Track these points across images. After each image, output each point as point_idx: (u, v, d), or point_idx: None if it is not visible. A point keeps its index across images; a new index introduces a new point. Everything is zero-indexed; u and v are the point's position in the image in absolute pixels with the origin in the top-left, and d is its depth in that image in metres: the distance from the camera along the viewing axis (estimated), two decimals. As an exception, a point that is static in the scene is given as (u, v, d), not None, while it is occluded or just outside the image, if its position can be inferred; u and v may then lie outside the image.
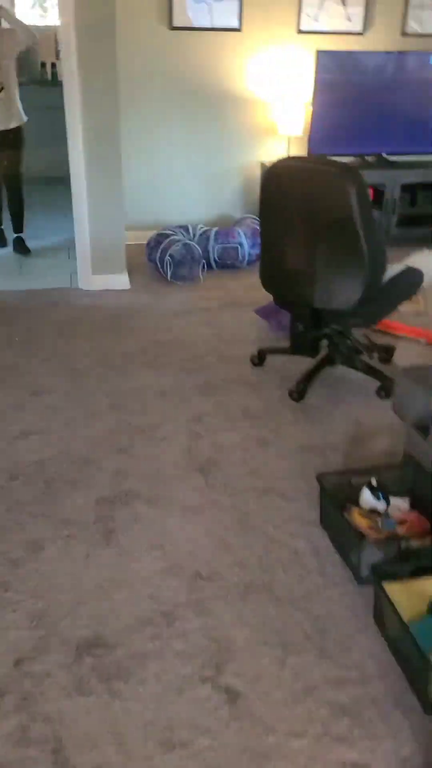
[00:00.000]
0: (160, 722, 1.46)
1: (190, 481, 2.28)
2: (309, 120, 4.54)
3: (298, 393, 2.79)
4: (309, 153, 4.55)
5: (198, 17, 4.31)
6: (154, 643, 1.65)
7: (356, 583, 1.84)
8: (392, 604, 1.60)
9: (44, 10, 6.85)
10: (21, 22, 4.21)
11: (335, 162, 2.36)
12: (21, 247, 4.59)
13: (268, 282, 2.76)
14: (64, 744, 1.41)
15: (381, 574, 1.69)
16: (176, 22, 4.30)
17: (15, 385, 2.89)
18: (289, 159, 2.48)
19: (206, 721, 1.46)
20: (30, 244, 4.64)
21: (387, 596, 1.62)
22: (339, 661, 1.62)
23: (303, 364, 2.93)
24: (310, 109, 4.48)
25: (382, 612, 1.66)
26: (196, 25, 4.33)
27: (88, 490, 2.22)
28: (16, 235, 4.62)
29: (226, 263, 4.29)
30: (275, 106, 4.60)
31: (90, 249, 3.90)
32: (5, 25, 4.21)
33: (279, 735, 1.44)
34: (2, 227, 4.72)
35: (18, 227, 4.60)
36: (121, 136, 3.73)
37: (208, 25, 4.35)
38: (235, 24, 4.39)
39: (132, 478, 2.29)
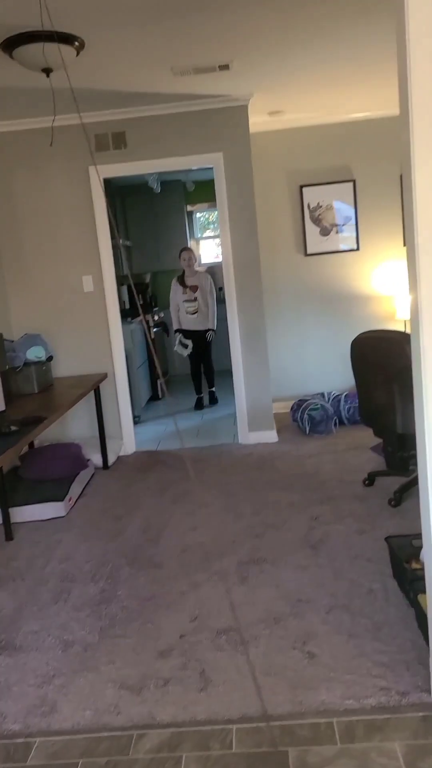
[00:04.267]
0: (263, 665, 2.34)
1: (303, 551, 3.22)
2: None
3: (395, 500, 3.65)
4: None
5: (324, 245, 5.88)
6: (266, 632, 2.56)
7: (407, 605, 2.62)
8: (422, 606, 2.38)
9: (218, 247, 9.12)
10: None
11: (396, 331, 3.48)
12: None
13: (365, 418, 3.80)
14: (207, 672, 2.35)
15: (417, 589, 2.48)
16: (310, 251, 5.90)
17: (189, 501, 4.09)
18: (366, 333, 3.65)
19: (287, 663, 2.32)
20: (206, 416, 6.13)
21: (419, 602, 2.41)
22: (386, 642, 2.40)
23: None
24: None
25: (419, 610, 2.44)
26: (324, 250, 5.89)
27: (232, 557, 3.25)
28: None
29: (355, 419, 5.35)
30: (393, 299, 5.88)
31: (246, 413, 5.22)
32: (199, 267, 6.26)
33: (339, 672, 2.25)
34: (201, 395, 6.66)
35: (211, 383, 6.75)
36: (267, 332, 5.18)
37: (334, 249, 5.90)
38: (354, 246, 5.89)
39: (262, 551, 3.28)
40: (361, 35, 3.69)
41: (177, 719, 2.12)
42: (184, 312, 6.49)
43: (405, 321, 5.86)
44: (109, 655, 2.51)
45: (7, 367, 4.02)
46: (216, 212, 8.93)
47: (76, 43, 3.25)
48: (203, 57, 3.78)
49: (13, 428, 3.14)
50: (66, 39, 3.16)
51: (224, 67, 3.97)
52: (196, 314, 6.44)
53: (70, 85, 3.76)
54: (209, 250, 9.11)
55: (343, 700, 2.13)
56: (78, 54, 3.34)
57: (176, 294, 6.52)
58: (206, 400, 6.75)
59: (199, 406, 6.65)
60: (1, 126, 4.87)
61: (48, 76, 3.32)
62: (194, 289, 6.43)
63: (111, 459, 5.00)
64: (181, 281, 6.48)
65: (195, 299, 6.42)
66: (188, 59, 3.79)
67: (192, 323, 6.48)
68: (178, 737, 2.04)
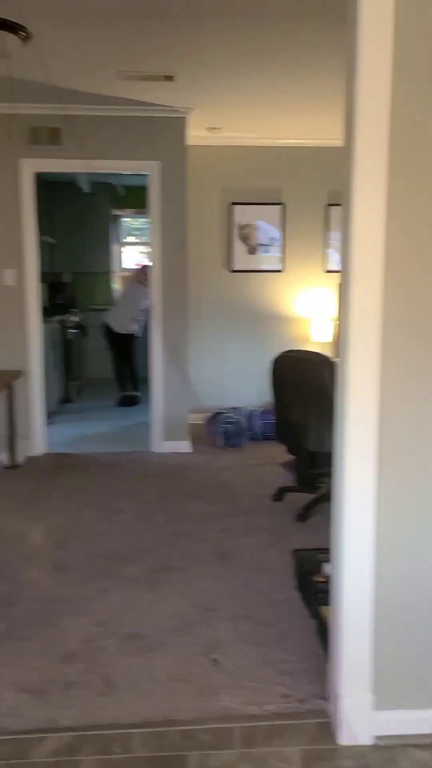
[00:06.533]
0: (168, 671, 2.36)
1: (213, 561, 3.26)
2: (336, 331, 5.95)
3: (303, 515, 3.77)
4: (336, 354, 5.89)
5: (250, 264, 6.02)
6: (174, 638, 2.58)
7: (309, 616, 2.71)
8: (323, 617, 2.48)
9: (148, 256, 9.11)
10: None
11: (316, 352, 3.62)
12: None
13: (279, 435, 3.91)
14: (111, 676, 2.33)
15: (321, 600, 2.58)
16: (235, 267, 6.02)
17: (101, 507, 4.04)
18: (287, 351, 3.77)
19: (193, 669, 2.35)
20: (121, 422, 6.10)
21: (320, 613, 2.51)
22: (288, 651, 2.48)
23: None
24: (337, 323, 5.91)
25: (321, 621, 2.53)
26: (249, 269, 6.03)
27: (142, 564, 3.24)
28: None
29: (268, 435, 5.47)
30: (310, 322, 6.09)
31: (163, 422, 5.23)
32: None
33: (243, 679, 2.30)
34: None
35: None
36: (189, 346, 5.23)
37: (259, 268, 6.05)
38: (279, 267, 6.06)
39: (173, 560, 3.30)
40: (307, 66, 3.84)
41: (79, 723, 2.09)
42: (119, 312, 6.86)
43: (320, 344, 6.07)
44: (11, 657, 2.45)
45: None
46: (141, 219, 8.98)
47: (23, 33, 3.19)
48: (150, 65, 3.81)
49: None
50: (12, 27, 3.10)
51: (169, 77, 4.02)
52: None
53: (10, 75, 3.68)
54: (132, 256, 9.08)
55: (245, 706, 2.18)
56: (24, 44, 3.28)
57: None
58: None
59: (122, 402, 6.97)
60: None
61: (-10, 62, 3.24)
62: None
63: (20, 459, 4.86)
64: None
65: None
66: (135, 65, 3.81)
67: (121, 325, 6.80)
68: (80, 741, 2.01)
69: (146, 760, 1.94)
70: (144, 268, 6.66)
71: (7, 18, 3.03)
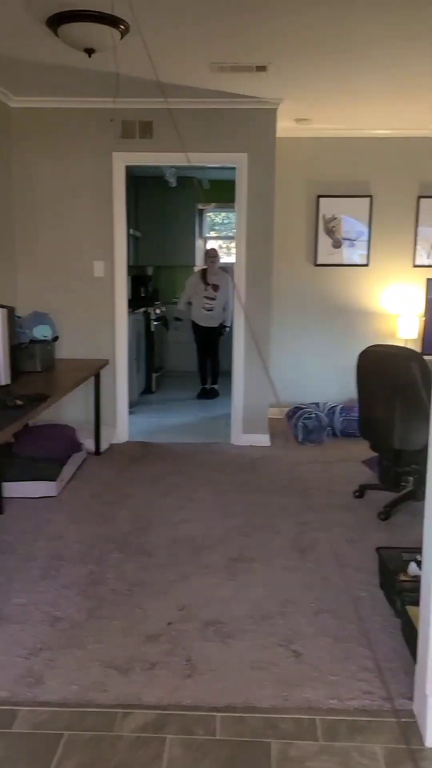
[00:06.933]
0: (249, 659, 2.37)
1: (292, 554, 3.25)
2: (422, 327, 5.79)
3: (385, 514, 3.69)
4: (422, 351, 5.72)
5: (335, 258, 5.94)
6: (253, 627, 2.59)
7: (394, 614, 2.65)
8: (410, 617, 2.42)
9: (228, 251, 9.15)
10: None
11: (403, 347, 3.53)
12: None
13: (363, 431, 3.84)
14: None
15: (407, 600, 2.52)
16: (320, 261, 5.95)
17: (179, 495, 4.10)
18: (374, 346, 3.69)
19: (272, 659, 2.35)
20: (202, 414, 6.15)
21: (406, 613, 2.45)
22: (371, 648, 2.44)
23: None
24: (423, 319, 5.75)
25: (406, 621, 2.48)
26: (334, 263, 5.95)
27: (221, 553, 3.27)
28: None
29: (348, 432, 5.40)
30: (397, 317, 5.94)
31: (242, 414, 5.24)
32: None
33: (324, 673, 2.29)
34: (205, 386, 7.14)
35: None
36: (271, 339, 5.21)
37: (344, 263, 5.95)
38: (365, 262, 5.95)
39: (251, 550, 3.31)
40: (398, 56, 3.75)
41: (162, 702, 2.14)
42: (200, 308, 6.81)
43: (406, 340, 5.92)
44: (97, 635, 2.52)
45: (16, 342, 4.01)
46: (223, 213, 9.02)
47: (122, 27, 3.27)
48: (243, 56, 3.82)
49: (19, 403, 3.14)
50: (114, 21, 3.17)
51: (261, 68, 4.01)
52: (211, 311, 6.77)
53: (116, 69, 3.78)
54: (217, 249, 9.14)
55: (327, 700, 2.16)
56: (122, 38, 3.36)
57: (196, 289, 6.84)
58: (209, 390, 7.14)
59: (201, 395, 7.07)
60: (24, 101, 4.86)
61: (90, 56, 3.33)
62: (215, 288, 6.76)
63: (104, 446, 5.00)
64: (203, 278, 6.70)
65: (214, 298, 6.76)
66: (228, 56, 3.83)
67: (205, 320, 6.84)
68: (163, 719, 2.06)
69: (228, 743, 1.96)
70: (212, 251, 6.86)
71: (108, 11, 3.11)
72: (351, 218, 5.87)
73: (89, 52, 3.30)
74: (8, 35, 3.48)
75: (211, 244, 8.95)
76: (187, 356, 8.36)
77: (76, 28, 3.15)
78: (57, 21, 3.16)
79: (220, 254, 9.06)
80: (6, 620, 2.61)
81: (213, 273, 6.78)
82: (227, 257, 9.06)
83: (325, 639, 2.51)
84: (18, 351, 4.07)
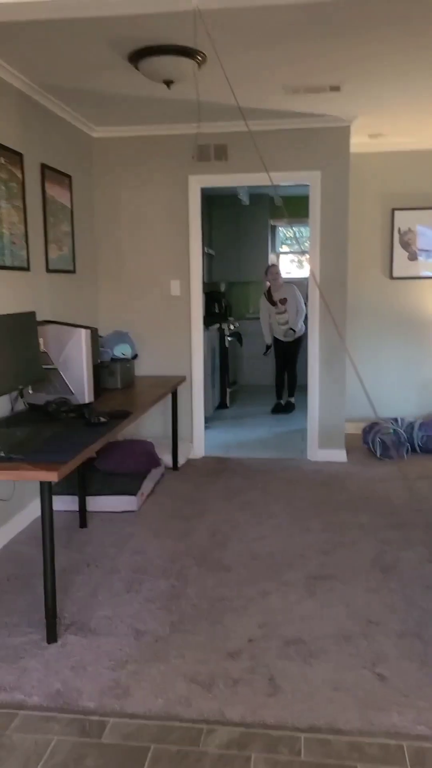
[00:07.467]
0: (332, 680, 2.36)
1: (373, 574, 3.21)
2: None
3: (468, 534, 3.59)
4: None
5: (411, 270, 5.85)
6: (335, 648, 2.57)
7: None
8: None
9: (301, 264, 9.16)
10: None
11: None
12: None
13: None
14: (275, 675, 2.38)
15: None
16: (396, 274, 5.87)
17: (255, 511, 4.12)
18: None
19: (356, 681, 2.33)
20: (274, 429, 6.16)
21: None
22: (459, 675, 2.38)
23: None
24: None
25: None
26: (410, 275, 5.86)
27: (300, 571, 3.27)
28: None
29: (428, 448, 5.27)
30: None
31: (318, 430, 5.22)
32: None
33: (411, 697, 2.25)
34: (280, 401, 7.11)
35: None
36: (344, 354, 5.17)
37: (421, 275, 5.85)
38: (442, 273, 5.83)
39: (331, 568, 3.29)
40: None
41: (246, 720, 2.16)
42: (276, 324, 6.88)
43: None
44: (180, 649, 2.58)
45: (99, 361, 4.16)
46: (295, 228, 9.03)
47: (199, 57, 3.38)
48: (316, 77, 3.85)
49: (102, 420, 3.26)
50: (192, 54, 3.28)
51: (335, 88, 4.03)
52: (287, 323, 6.82)
53: (197, 98, 3.90)
54: (286, 265, 9.17)
55: (415, 725, 2.12)
56: (200, 68, 3.47)
57: (266, 310, 6.90)
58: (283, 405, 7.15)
59: (276, 410, 7.07)
60: (111, 131, 5.07)
61: (169, 87, 3.45)
62: (283, 302, 6.77)
63: (181, 461, 5.09)
64: (269, 298, 6.75)
65: (285, 311, 6.78)
66: (302, 79, 3.87)
67: (284, 334, 6.90)
68: (247, 737, 2.08)
69: (314, 765, 1.96)
70: (272, 269, 6.83)
71: (185, 44, 3.22)
72: (428, 229, 5.78)
73: (168, 83, 3.42)
74: (92, 71, 3.66)
75: (272, 260, 8.98)
76: (260, 370, 8.42)
77: (156, 61, 3.27)
78: (137, 56, 3.30)
79: (292, 268, 9.12)
80: (92, 632, 2.71)
81: (276, 290, 6.76)
82: (299, 271, 9.08)
83: (411, 663, 2.47)
84: (100, 369, 4.22)
